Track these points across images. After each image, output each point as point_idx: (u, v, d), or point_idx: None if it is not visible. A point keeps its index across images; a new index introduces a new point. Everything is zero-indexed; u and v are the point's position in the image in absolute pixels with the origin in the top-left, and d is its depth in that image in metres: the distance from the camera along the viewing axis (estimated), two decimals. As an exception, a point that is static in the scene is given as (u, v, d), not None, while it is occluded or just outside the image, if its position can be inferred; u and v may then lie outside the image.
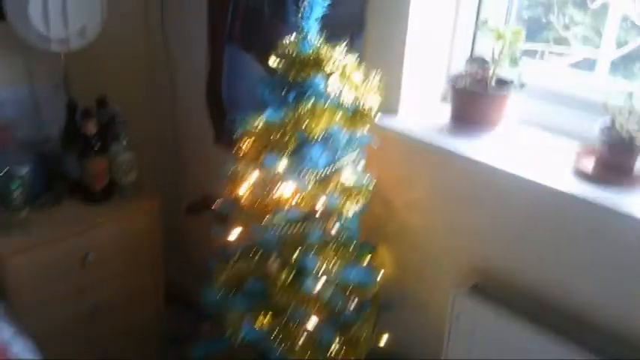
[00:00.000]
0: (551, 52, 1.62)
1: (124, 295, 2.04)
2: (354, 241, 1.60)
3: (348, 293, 1.58)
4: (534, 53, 1.63)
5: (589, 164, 1.37)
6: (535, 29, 1.61)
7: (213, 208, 2.28)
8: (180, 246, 2.47)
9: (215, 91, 2.10)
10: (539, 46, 1.62)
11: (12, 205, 1.72)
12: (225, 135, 2.17)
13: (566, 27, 1.58)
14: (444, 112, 1.62)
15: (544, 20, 1.60)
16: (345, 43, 1.43)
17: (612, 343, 1.36)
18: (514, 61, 1.46)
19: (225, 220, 2.09)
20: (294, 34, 1.42)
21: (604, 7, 1.45)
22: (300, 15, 1.34)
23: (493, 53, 1.48)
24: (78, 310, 1.94)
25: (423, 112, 1.66)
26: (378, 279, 1.61)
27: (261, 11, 1.80)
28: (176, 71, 2.27)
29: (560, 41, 1.59)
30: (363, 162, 1.54)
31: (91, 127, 1.83)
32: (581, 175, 1.35)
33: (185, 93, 2.29)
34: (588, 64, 1.53)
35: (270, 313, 1.57)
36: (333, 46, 1.40)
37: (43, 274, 1.80)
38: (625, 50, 1.46)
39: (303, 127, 1.35)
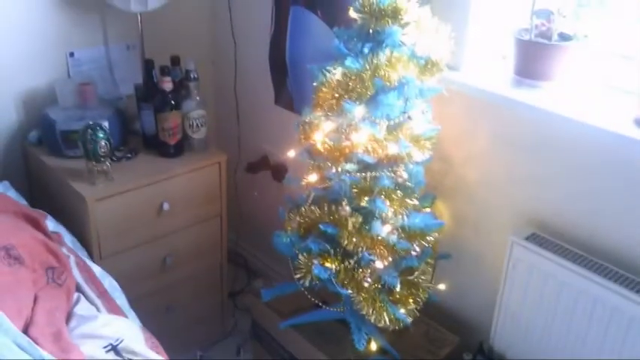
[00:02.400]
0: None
1: (193, 246, 2.16)
2: (420, 189, 1.69)
3: (411, 239, 1.68)
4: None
5: (650, 115, 1.43)
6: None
7: (273, 165, 2.41)
8: (235, 207, 2.59)
9: (278, 52, 2.20)
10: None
11: (96, 156, 1.84)
12: (285, 95, 2.28)
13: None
14: (505, 69, 1.69)
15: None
16: (416, -3, 1.52)
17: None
18: (577, 15, 1.52)
19: (286, 173, 2.21)
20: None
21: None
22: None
23: (557, 7, 1.55)
24: (151, 258, 2.07)
25: (485, 68, 1.74)
26: (440, 226, 1.70)
27: (329, -29, 1.89)
28: (239, 33, 2.37)
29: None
30: (430, 112, 1.63)
31: (168, 84, 1.94)
32: (641, 124, 1.41)
33: (247, 54, 2.39)
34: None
35: (338, 256, 1.68)
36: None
37: (123, 220, 1.93)
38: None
39: (380, 75, 1.44)
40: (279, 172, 2.41)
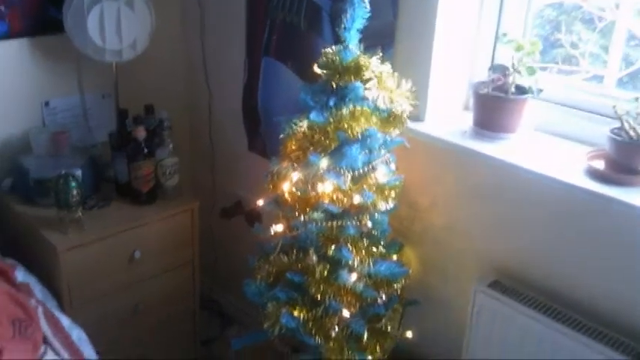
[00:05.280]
0: (560, 71, 1.74)
1: (165, 293, 2.17)
2: (385, 237, 1.73)
3: (378, 286, 1.71)
4: (544, 70, 1.76)
5: (600, 165, 1.48)
6: (543, 48, 1.75)
7: (247, 210, 2.44)
8: (209, 252, 2.60)
9: (251, 101, 2.26)
10: (548, 64, 1.75)
11: (68, 205, 1.86)
12: (258, 142, 2.32)
13: (574, 45, 1.71)
14: (467, 120, 1.75)
15: (552, 39, 1.74)
16: (378, 53, 1.58)
17: (625, 335, 1.46)
18: (532, 70, 1.59)
19: (260, 220, 2.24)
20: (336, 44, 1.57)
21: (611, 26, 1.58)
22: (342, 26, 1.49)
23: (513, 62, 1.61)
24: (123, 306, 2.07)
25: (447, 119, 1.79)
26: (405, 274, 1.73)
27: (298, 25, 1.96)
28: (214, 82, 2.43)
29: (569, 59, 1.72)
30: (394, 162, 1.68)
31: (141, 133, 1.98)
32: (593, 174, 1.47)
33: (221, 102, 2.44)
34: (597, 81, 1.66)
35: (306, 304, 1.70)
36: (370, 56, 1.55)
37: (93, 269, 1.94)
38: (632, 68, 1.58)
39: (344, 128, 1.50)
40: (253, 217, 2.44)
